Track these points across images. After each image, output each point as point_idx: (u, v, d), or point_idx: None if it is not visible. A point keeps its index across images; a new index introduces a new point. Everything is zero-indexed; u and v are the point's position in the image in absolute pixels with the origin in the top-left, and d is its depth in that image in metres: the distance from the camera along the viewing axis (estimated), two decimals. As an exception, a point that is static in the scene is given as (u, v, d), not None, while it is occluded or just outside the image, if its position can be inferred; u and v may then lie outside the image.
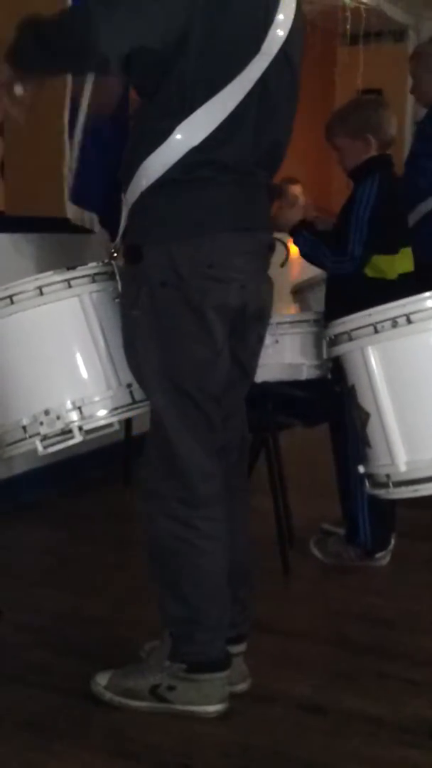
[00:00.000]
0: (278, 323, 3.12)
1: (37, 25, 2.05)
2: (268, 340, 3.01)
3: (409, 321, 2.23)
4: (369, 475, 2.40)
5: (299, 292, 3.73)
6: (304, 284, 3.69)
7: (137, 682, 2.29)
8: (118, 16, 1.94)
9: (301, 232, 3.15)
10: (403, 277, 3.15)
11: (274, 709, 2.32)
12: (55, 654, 2.57)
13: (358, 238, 3.02)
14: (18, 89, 2.11)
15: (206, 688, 2.26)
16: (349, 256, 3.03)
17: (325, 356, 2.51)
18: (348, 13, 6.94)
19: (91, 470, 4.03)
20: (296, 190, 7.35)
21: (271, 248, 2.30)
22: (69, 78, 3.48)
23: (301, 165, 5.94)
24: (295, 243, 3.18)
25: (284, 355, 3.13)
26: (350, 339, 2.31)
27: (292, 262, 3.39)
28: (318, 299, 3.39)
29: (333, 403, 3.01)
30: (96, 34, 1.92)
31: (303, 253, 3.18)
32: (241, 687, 2.36)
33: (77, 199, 3.64)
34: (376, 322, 2.26)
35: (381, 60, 7.25)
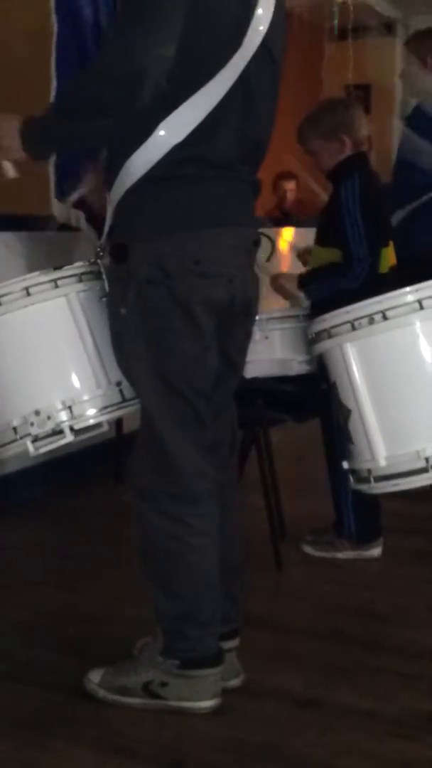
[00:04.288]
0: (268, 319, 3.13)
1: (60, 106, 2.08)
2: (257, 335, 3.03)
3: (385, 317, 2.25)
4: (352, 471, 2.42)
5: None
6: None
7: (130, 678, 2.30)
8: (152, 35, 1.93)
9: (308, 289, 3.16)
10: (391, 270, 3.17)
11: (267, 704, 2.32)
12: (48, 651, 2.57)
13: (357, 237, 3.02)
14: (9, 171, 2.14)
15: (199, 684, 2.26)
16: (356, 259, 3.03)
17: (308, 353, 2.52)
18: (336, 8, 6.95)
19: (84, 468, 4.04)
20: (289, 185, 7.38)
21: (256, 243, 2.30)
22: (54, 76, 3.49)
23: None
24: (310, 298, 3.19)
25: (274, 350, 3.14)
26: (329, 336, 2.33)
27: (280, 258, 3.40)
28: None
29: (323, 398, 3.02)
30: (143, 63, 1.92)
31: (325, 299, 3.17)
32: (234, 682, 2.37)
33: (61, 194, 3.63)
34: (354, 319, 2.28)
35: (369, 54, 7.25)
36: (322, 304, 2.86)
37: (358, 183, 3.08)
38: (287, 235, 3.21)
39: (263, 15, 2.11)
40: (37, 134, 2.10)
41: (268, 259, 3.24)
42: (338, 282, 3.07)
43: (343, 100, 3.37)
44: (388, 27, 7.91)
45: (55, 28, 3.55)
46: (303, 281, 3.19)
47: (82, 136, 2.13)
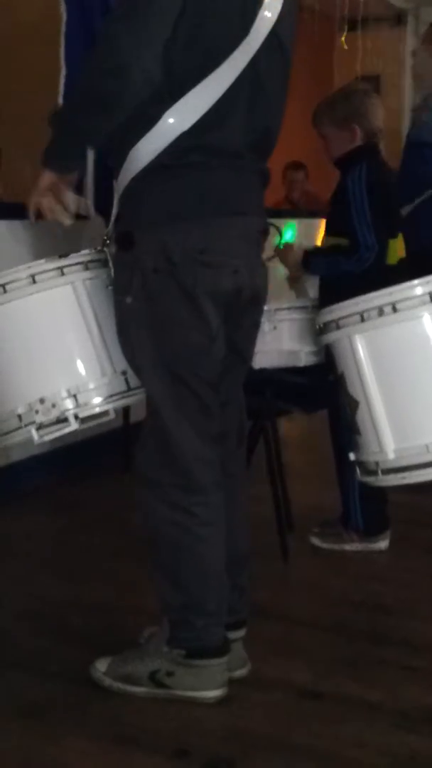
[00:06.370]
0: (276, 309, 3.12)
1: (62, 107, 2.07)
2: (266, 326, 3.02)
3: (395, 309, 2.24)
4: (359, 463, 2.41)
5: (296, 279, 3.71)
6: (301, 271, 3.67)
7: (136, 668, 2.30)
8: (140, 25, 1.94)
9: (311, 261, 3.16)
10: (401, 262, 3.15)
11: (272, 694, 2.32)
12: (54, 641, 2.57)
13: (365, 224, 3.01)
14: (65, 192, 2.18)
15: (205, 674, 2.26)
16: (363, 246, 3.02)
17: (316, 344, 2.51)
18: (346, -1, 6.93)
19: (90, 457, 4.03)
20: (298, 176, 7.36)
21: (264, 233, 2.29)
22: (63, 64, 3.48)
23: (303, 150, 5.94)
24: (313, 273, 3.18)
25: (282, 341, 3.13)
26: (338, 327, 2.32)
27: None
28: (315, 285, 3.39)
29: (331, 389, 3.01)
30: (130, 53, 1.94)
31: (325, 276, 3.17)
32: (240, 673, 2.37)
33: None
34: (363, 311, 2.26)
35: (379, 46, 7.23)
36: (329, 295, 2.85)
37: (365, 173, 3.06)
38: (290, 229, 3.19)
39: (271, 2, 2.10)
40: (53, 148, 2.14)
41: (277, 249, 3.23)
42: (342, 262, 3.06)
43: (361, 88, 3.34)
44: (398, 18, 7.88)
45: (64, 16, 3.54)
46: (308, 253, 3.18)
47: (88, 132, 2.13)
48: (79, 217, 3.71)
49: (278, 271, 3.21)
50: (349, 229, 3.05)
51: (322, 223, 3.38)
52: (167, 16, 1.96)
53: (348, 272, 3.04)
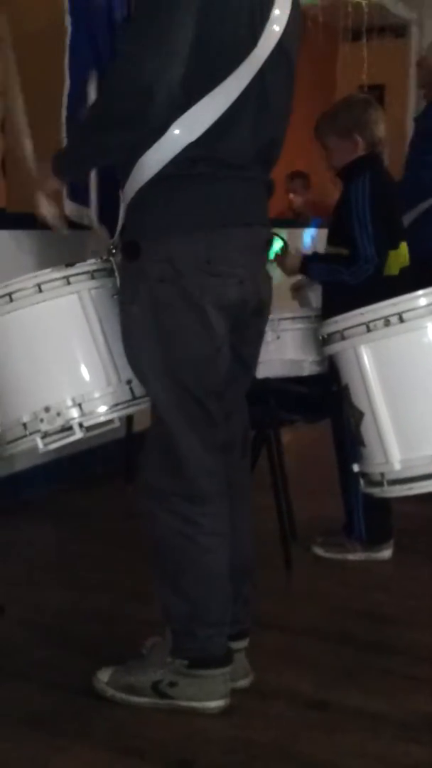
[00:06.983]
0: (279, 319, 3.13)
1: (83, 122, 2.17)
2: (269, 336, 3.03)
3: (401, 320, 2.23)
4: (364, 474, 2.40)
5: (299, 289, 3.73)
6: (304, 280, 3.69)
7: (139, 678, 2.29)
8: (162, 45, 1.96)
9: (310, 267, 3.17)
10: (403, 271, 3.16)
11: (276, 705, 2.32)
12: (57, 650, 2.57)
13: (366, 237, 3.02)
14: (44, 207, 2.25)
15: (208, 684, 2.26)
16: (363, 259, 3.02)
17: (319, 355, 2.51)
18: (350, 9, 6.95)
19: (93, 467, 4.04)
20: (294, 185, 7.38)
21: (269, 243, 2.30)
22: (66, 76, 3.49)
23: (305, 160, 5.96)
24: (312, 277, 3.20)
25: (286, 351, 3.14)
26: (343, 338, 2.32)
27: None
28: (318, 296, 3.40)
29: (334, 399, 3.01)
30: (154, 75, 1.95)
31: (322, 282, 3.19)
32: (243, 683, 2.36)
33: (74, 195, 3.64)
34: (369, 321, 2.26)
35: (383, 56, 7.25)
36: (333, 306, 2.85)
37: (369, 183, 3.07)
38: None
39: (279, 15, 2.11)
40: (64, 158, 2.18)
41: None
42: (341, 272, 3.07)
43: (363, 99, 3.35)
44: (402, 28, 7.90)
45: (69, 28, 3.56)
46: (307, 259, 3.19)
47: (108, 149, 2.14)
48: (83, 227, 3.75)
49: (276, 273, 3.22)
50: (350, 240, 3.06)
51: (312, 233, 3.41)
52: (186, 32, 1.97)
53: (345, 282, 3.05)
